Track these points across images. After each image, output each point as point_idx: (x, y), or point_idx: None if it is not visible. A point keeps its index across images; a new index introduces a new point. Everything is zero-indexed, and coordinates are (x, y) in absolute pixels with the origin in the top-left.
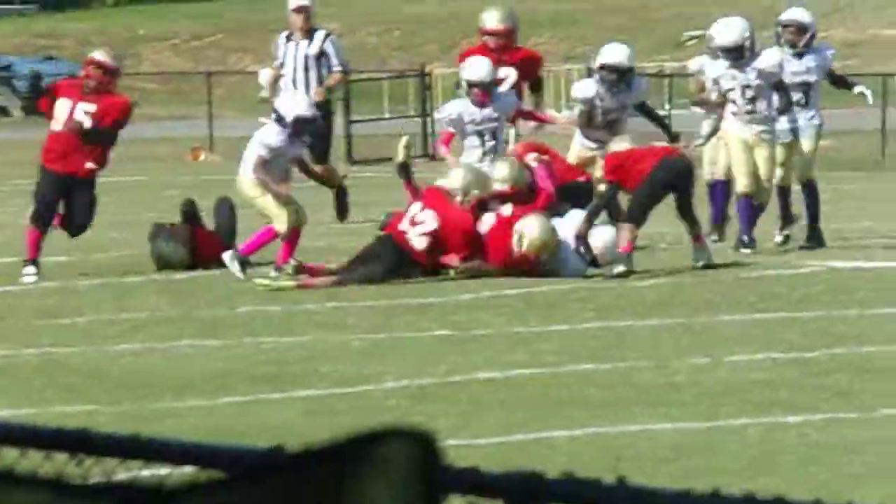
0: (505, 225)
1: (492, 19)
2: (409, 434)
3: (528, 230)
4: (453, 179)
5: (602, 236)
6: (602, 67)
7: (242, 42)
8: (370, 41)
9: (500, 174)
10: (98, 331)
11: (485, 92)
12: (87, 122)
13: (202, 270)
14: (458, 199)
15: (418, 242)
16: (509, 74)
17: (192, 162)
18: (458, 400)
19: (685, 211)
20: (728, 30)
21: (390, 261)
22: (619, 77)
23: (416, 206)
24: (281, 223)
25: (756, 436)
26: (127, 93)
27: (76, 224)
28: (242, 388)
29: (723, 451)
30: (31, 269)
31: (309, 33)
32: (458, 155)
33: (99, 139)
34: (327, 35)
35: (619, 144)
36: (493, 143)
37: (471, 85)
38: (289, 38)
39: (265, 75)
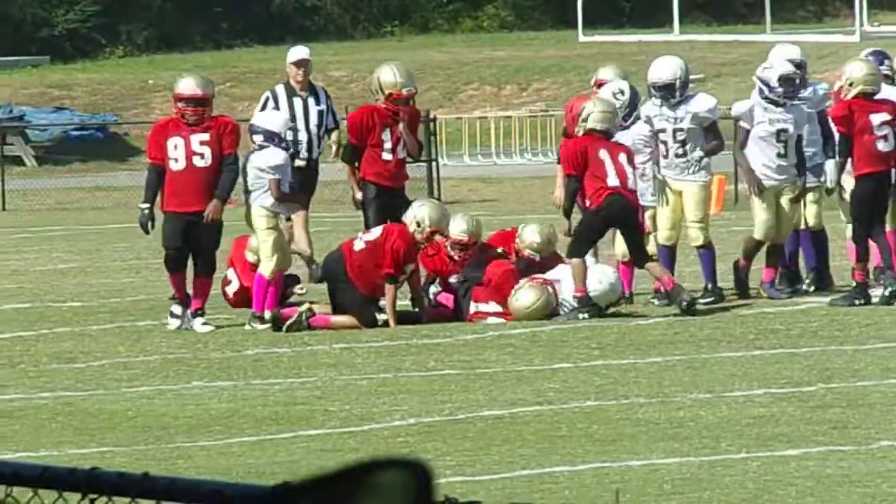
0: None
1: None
2: (404, 464)
3: (519, 301)
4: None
5: (604, 276)
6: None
7: (249, 90)
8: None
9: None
10: (111, 374)
11: None
12: (207, 153)
13: (209, 314)
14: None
15: (358, 245)
16: None
17: None
18: (464, 437)
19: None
20: (662, 68)
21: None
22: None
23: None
24: (267, 268)
25: (756, 469)
26: (137, 141)
27: (207, 260)
28: (252, 429)
29: (724, 484)
30: (177, 309)
31: (311, 87)
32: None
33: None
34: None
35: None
36: None
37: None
38: (291, 92)
39: None
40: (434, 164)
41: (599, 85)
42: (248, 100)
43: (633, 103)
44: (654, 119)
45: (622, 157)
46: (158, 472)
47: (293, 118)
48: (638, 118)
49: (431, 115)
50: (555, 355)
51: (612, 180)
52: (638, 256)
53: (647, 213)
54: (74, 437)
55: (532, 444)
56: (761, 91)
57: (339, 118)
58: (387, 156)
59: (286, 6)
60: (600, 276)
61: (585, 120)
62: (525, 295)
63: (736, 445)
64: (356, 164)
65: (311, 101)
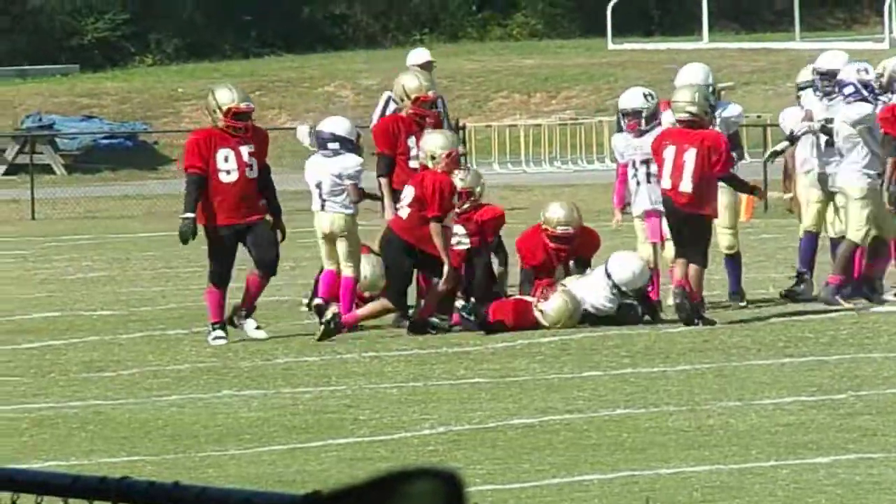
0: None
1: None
2: (434, 473)
3: (548, 308)
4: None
5: (629, 265)
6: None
7: (279, 99)
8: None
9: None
10: (141, 383)
11: None
12: (254, 164)
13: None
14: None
15: (404, 213)
16: None
17: None
18: (495, 446)
19: None
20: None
21: (393, 256)
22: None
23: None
24: (354, 271)
25: (786, 477)
26: (166, 150)
27: (268, 261)
28: (282, 437)
29: (754, 492)
30: (219, 332)
31: None
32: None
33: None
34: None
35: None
36: None
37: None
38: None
39: (303, 131)
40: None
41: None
42: (276, 108)
43: (659, 109)
44: (621, 147)
45: (688, 156)
46: (189, 481)
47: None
48: (659, 125)
49: (461, 123)
50: (584, 363)
51: (665, 182)
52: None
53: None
54: (105, 446)
55: (562, 453)
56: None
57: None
58: (413, 163)
59: (315, 14)
60: (623, 262)
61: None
62: (554, 298)
63: (766, 453)
64: (391, 176)
65: None
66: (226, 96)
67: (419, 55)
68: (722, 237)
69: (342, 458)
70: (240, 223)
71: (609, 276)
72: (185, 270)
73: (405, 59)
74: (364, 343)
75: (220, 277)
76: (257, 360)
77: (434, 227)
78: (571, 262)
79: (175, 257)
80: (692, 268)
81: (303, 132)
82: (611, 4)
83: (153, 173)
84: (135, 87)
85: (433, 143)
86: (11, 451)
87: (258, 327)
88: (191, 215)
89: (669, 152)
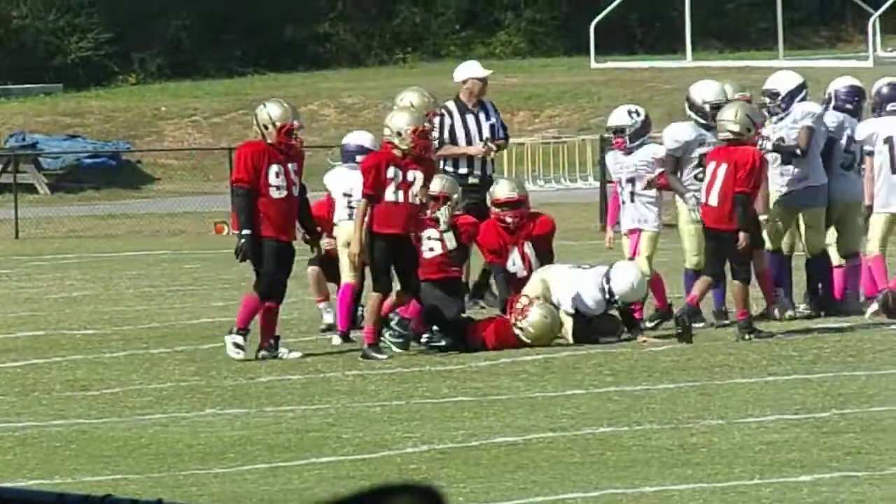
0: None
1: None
2: (416, 489)
3: (527, 324)
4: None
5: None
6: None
7: None
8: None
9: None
10: (125, 401)
11: None
12: (297, 182)
13: (222, 342)
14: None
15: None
16: None
17: (216, 236)
18: (478, 464)
19: None
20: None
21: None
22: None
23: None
24: (352, 278)
25: (770, 496)
26: (150, 169)
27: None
28: (265, 456)
29: None
30: (239, 339)
31: (480, 103)
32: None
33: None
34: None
35: None
36: None
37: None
38: (462, 108)
39: None
40: None
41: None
42: None
43: (645, 128)
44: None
45: (720, 171)
46: (172, 499)
47: (466, 134)
48: (644, 143)
49: None
50: (567, 382)
51: (702, 196)
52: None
53: (648, 236)
54: (88, 464)
55: (545, 471)
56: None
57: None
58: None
59: (298, 34)
60: (626, 272)
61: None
62: (533, 314)
63: (749, 471)
64: None
65: (482, 116)
66: (279, 112)
67: (467, 68)
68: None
69: (325, 476)
70: (286, 240)
71: (608, 280)
72: (169, 289)
73: (389, 78)
74: (347, 362)
75: (278, 288)
76: (240, 379)
77: (359, 205)
78: (532, 255)
79: (158, 276)
80: (734, 284)
81: None
82: (594, 23)
83: (137, 192)
84: (118, 106)
85: (400, 120)
86: None
87: (292, 350)
88: (249, 232)
89: (710, 169)
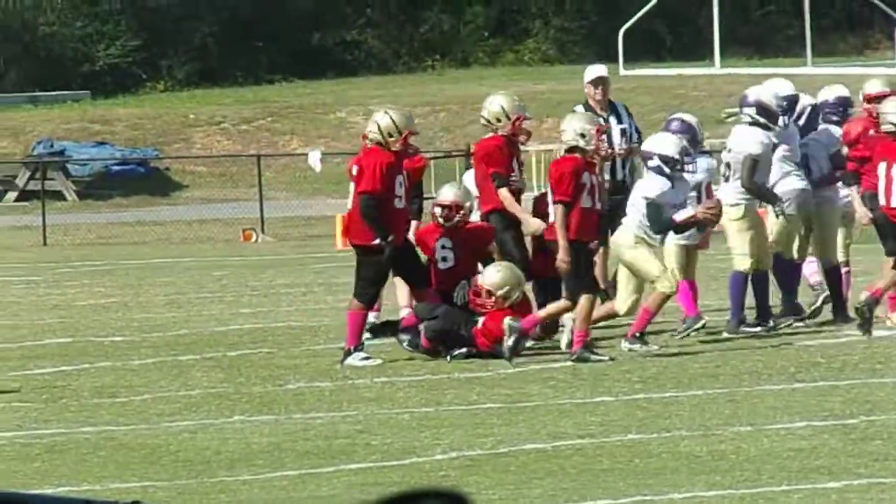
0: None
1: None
2: (444, 495)
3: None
4: None
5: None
6: None
7: (290, 125)
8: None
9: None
10: (153, 408)
11: None
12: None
13: (251, 348)
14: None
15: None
16: None
17: (244, 243)
18: (507, 471)
19: None
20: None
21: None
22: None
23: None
24: (664, 284)
25: (798, 502)
26: (178, 176)
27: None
28: (294, 463)
29: None
30: (360, 354)
31: (611, 106)
32: None
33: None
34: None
35: None
36: None
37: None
38: (591, 112)
39: (314, 157)
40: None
41: (869, 100)
42: (288, 134)
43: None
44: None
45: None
46: None
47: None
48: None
49: (472, 149)
50: (596, 389)
51: (882, 198)
52: None
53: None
54: (117, 471)
55: (574, 478)
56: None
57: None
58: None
59: (327, 41)
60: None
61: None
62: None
63: (777, 478)
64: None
65: (612, 120)
66: (402, 120)
67: (592, 71)
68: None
69: (354, 483)
70: (400, 248)
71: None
72: (197, 296)
73: (417, 85)
74: (375, 368)
75: (372, 298)
76: (269, 386)
77: (559, 212)
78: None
79: (187, 283)
80: None
81: (314, 158)
82: (622, 30)
83: (165, 199)
84: (146, 114)
85: (580, 121)
86: (24, 476)
87: (365, 358)
88: (392, 237)
89: (882, 168)
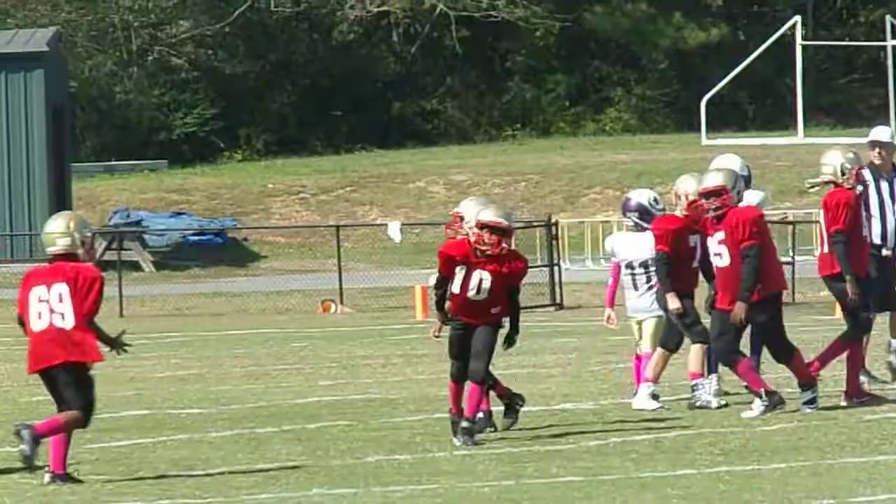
0: None
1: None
2: None
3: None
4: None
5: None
6: None
7: (370, 195)
8: (496, 192)
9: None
10: (231, 482)
11: None
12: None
13: (330, 421)
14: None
15: None
16: None
17: (323, 314)
18: None
19: None
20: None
21: None
22: None
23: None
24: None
25: None
26: (256, 246)
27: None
28: None
29: None
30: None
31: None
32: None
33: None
34: None
35: None
36: None
37: None
38: (877, 174)
39: (394, 227)
40: (556, 268)
41: None
42: (367, 204)
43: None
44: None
45: None
46: None
47: (880, 203)
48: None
49: (553, 220)
50: (678, 462)
51: None
52: None
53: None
54: None
55: None
56: None
57: None
58: (695, 264)
59: (406, 110)
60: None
61: None
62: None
63: None
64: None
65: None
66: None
67: (873, 133)
68: None
69: None
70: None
71: None
72: (275, 368)
73: (497, 155)
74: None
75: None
76: (348, 459)
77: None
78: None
79: (265, 355)
80: None
81: (394, 228)
82: (705, 99)
83: (243, 270)
84: (224, 183)
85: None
86: None
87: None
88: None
89: None
